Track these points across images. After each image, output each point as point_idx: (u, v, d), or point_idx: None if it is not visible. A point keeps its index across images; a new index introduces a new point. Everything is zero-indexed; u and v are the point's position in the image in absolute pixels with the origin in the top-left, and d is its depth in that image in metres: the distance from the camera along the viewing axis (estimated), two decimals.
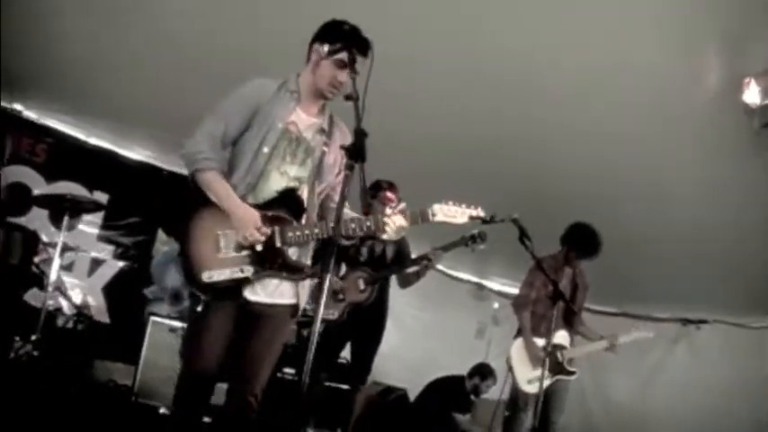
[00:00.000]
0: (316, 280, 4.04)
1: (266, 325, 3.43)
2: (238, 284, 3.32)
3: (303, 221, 3.42)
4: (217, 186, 3.34)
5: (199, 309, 3.38)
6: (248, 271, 3.31)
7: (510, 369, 6.18)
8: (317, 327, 2.78)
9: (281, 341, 3.56)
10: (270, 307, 3.42)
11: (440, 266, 9.91)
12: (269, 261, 3.35)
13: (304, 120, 3.51)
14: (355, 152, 2.85)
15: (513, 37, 4.92)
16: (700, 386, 8.64)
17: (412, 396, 8.32)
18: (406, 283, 6.20)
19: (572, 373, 6.13)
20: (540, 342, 5.99)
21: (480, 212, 3.41)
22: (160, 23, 5.45)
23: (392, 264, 6.08)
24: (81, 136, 7.88)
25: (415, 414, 8.03)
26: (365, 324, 5.97)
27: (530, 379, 6.00)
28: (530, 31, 4.87)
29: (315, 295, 5.13)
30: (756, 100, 4.83)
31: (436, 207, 3.34)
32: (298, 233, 3.35)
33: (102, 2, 5.37)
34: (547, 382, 5.50)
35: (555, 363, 6.00)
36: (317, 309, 2.78)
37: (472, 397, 8.43)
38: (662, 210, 6.56)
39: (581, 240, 6.12)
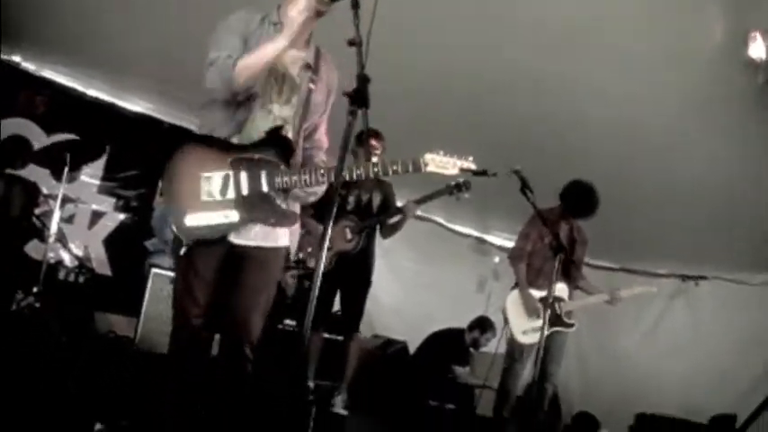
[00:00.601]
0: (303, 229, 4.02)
1: (254, 269, 3.32)
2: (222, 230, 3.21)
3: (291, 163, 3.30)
4: (255, 52, 3.16)
5: (182, 252, 3.18)
6: (233, 216, 3.19)
7: (506, 320, 6.23)
8: (319, 277, 2.76)
9: (273, 285, 3.43)
10: (257, 249, 3.30)
11: (440, 220, 9.99)
12: (255, 207, 3.22)
13: (289, 53, 3.31)
14: (358, 98, 2.77)
15: None
16: (698, 342, 8.71)
17: (412, 349, 8.37)
18: (387, 233, 6.24)
19: (570, 325, 6.17)
20: (537, 293, 6.06)
21: (471, 164, 3.29)
22: None
23: (378, 213, 6.10)
24: (79, 87, 7.81)
25: (415, 366, 8.09)
26: (353, 272, 6.02)
27: (525, 330, 6.06)
28: None
29: (302, 244, 5.20)
30: (762, 54, 4.79)
31: (428, 157, 3.23)
32: (286, 179, 3.21)
33: None
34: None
35: (553, 314, 6.00)
36: (318, 259, 2.75)
37: (471, 350, 8.49)
38: (663, 165, 6.55)
39: (578, 199, 6.11)
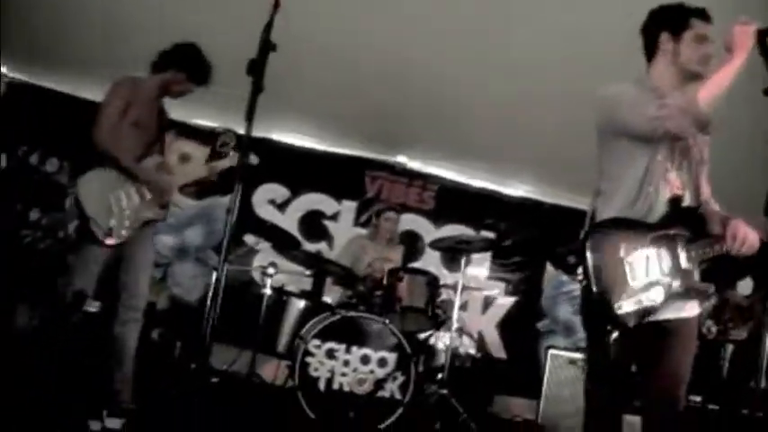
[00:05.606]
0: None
1: (674, 341, 3.14)
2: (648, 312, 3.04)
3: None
4: (714, 80, 2.94)
5: (611, 340, 3.04)
6: (658, 297, 3.03)
7: None
8: None
9: (691, 356, 3.21)
10: (677, 320, 3.12)
11: None
12: (679, 284, 3.06)
13: None
14: None
15: None
16: None
17: None
18: None
19: None
20: None
21: None
22: None
23: None
24: (463, 179, 8.28)
25: None
26: None
27: None
28: None
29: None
30: None
31: None
32: (701, 251, 3.06)
33: None
34: None
35: None
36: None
37: None
38: None
39: None
